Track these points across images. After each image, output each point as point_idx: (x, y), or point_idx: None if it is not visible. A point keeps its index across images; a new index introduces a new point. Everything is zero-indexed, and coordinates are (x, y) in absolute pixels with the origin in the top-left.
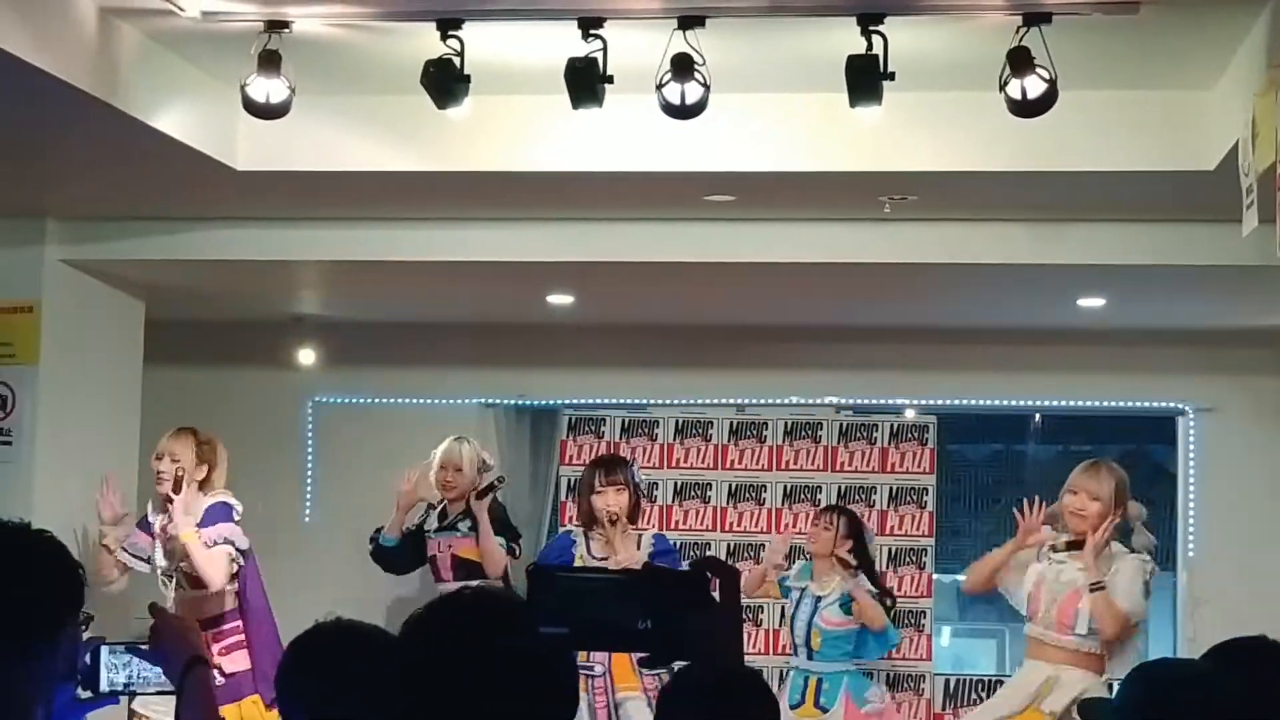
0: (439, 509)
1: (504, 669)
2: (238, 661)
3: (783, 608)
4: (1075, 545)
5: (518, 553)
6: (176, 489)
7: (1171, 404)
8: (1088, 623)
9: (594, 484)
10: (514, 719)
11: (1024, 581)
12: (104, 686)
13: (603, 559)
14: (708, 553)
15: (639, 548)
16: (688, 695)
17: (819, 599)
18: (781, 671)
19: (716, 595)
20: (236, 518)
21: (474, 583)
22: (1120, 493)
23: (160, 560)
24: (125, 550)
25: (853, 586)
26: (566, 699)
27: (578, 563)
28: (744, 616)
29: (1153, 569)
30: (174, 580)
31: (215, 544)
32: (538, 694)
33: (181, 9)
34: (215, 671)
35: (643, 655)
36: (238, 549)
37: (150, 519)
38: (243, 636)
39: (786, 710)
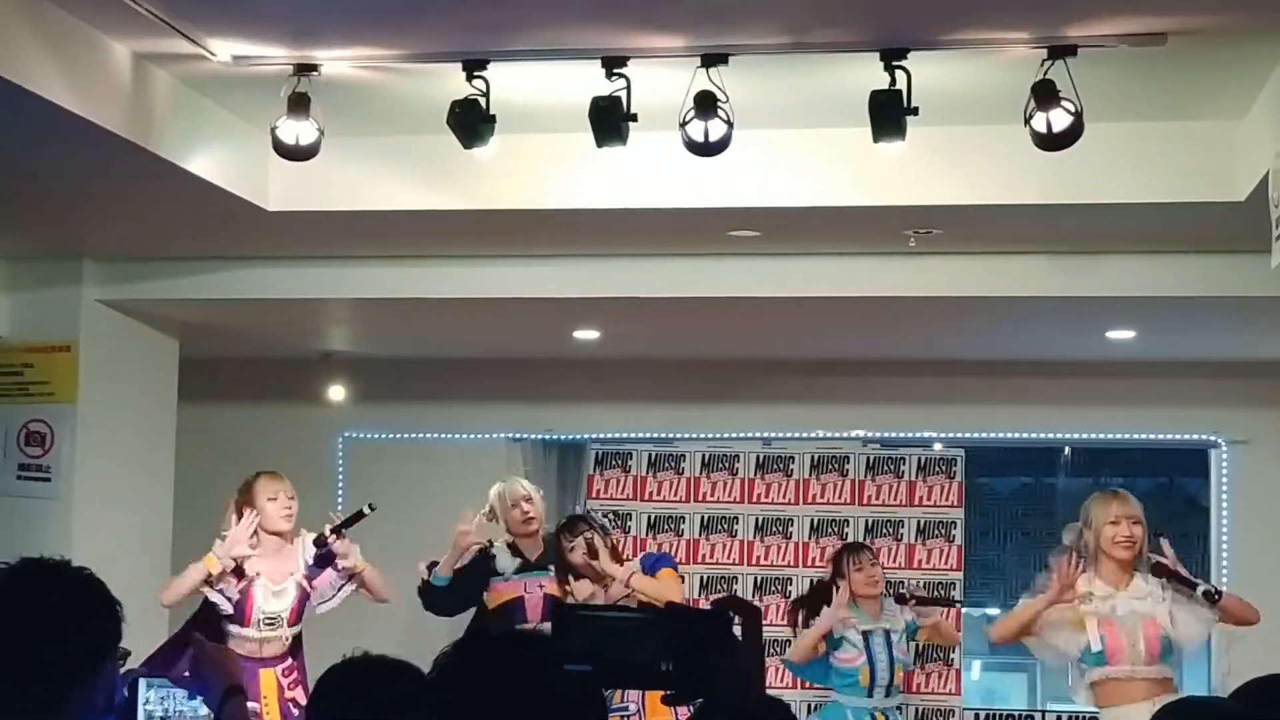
0: (509, 548)
1: (534, 710)
2: (303, 696)
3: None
4: (1158, 572)
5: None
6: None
7: (1203, 436)
8: (1175, 644)
9: (560, 547)
10: None
11: (1077, 636)
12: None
13: (589, 596)
14: (734, 587)
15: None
16: None
17: (889, 633)
18: (810, 705)
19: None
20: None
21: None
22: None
23: (264, 606)
24: (215, 589)
25: (926, 613)
26: None
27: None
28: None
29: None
30: (275, 623)
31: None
32: None
33: (213, 54)
34: (291, 704)
35: (667, 695)
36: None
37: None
38: (299, 672)
39: None
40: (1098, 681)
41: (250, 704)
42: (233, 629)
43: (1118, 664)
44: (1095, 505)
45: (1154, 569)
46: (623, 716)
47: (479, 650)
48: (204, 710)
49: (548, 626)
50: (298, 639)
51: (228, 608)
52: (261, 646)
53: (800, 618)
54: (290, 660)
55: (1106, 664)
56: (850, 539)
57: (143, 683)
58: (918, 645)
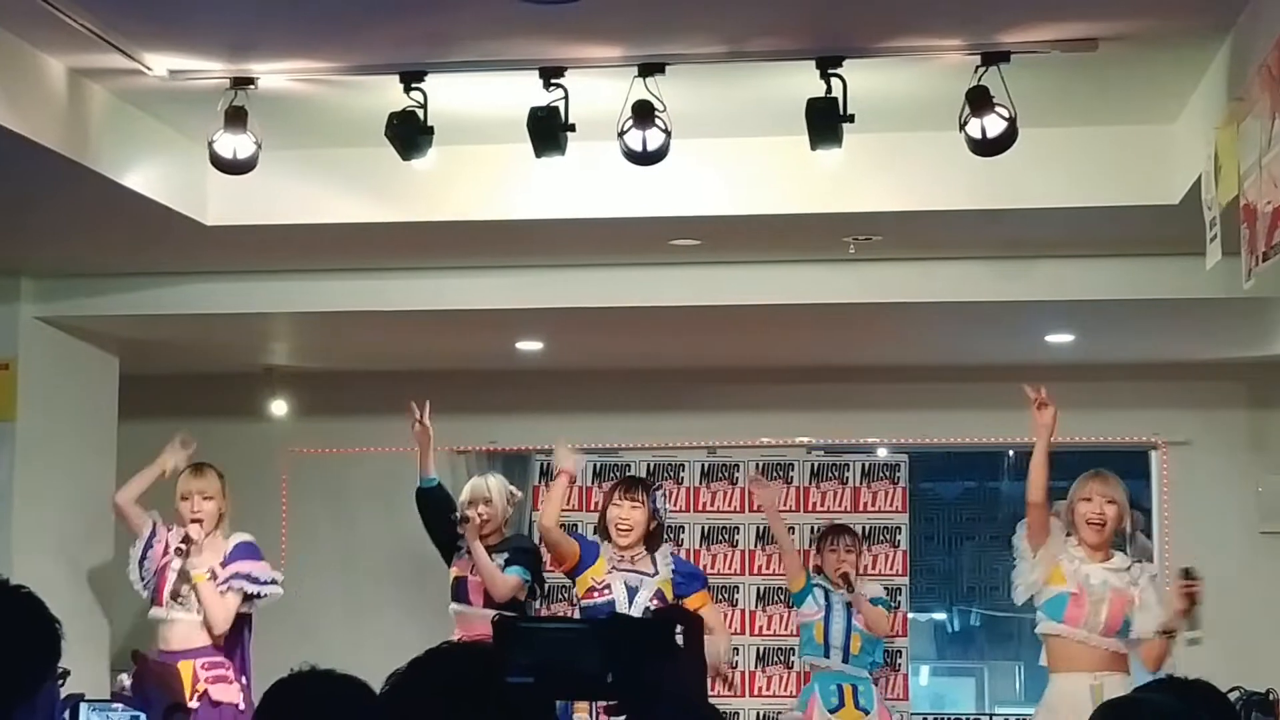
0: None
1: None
2: (225, 693)
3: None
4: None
5: (538, 591)
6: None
7: (1143, 438)
8: (1136, 628)
9: (612, 497)
10: None
11: (1052, 585)
12: None
13: (630, 571)
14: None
15: (656, 567)
16: None
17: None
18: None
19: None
20: (262, 555)
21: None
22: (1128, 498)
23: (177, 583)
24: (138, 563)
25: (854, 598)
26: None
27: (599, 571)
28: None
29: (1156, 573)
30: (186, 600)
31: (238, 578)
32: None
33: (149, 68)
34: (201, 698)
35: (610, 704)
36: (256, 583)
37: (170, 540)
38: (230, 671)
39: (826, 715)
40: (1050, 636)
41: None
42: (152, 613)
43: (1075, 626)
44: (1079, 481)
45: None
46: None
47: (432, 668)
48: None
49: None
50: (232, 640)
51: (141, 590)
52: (178, 630)
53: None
54: (218, 656)
55: (1064, 625)
56: (797, 545)
57: (84, 706)
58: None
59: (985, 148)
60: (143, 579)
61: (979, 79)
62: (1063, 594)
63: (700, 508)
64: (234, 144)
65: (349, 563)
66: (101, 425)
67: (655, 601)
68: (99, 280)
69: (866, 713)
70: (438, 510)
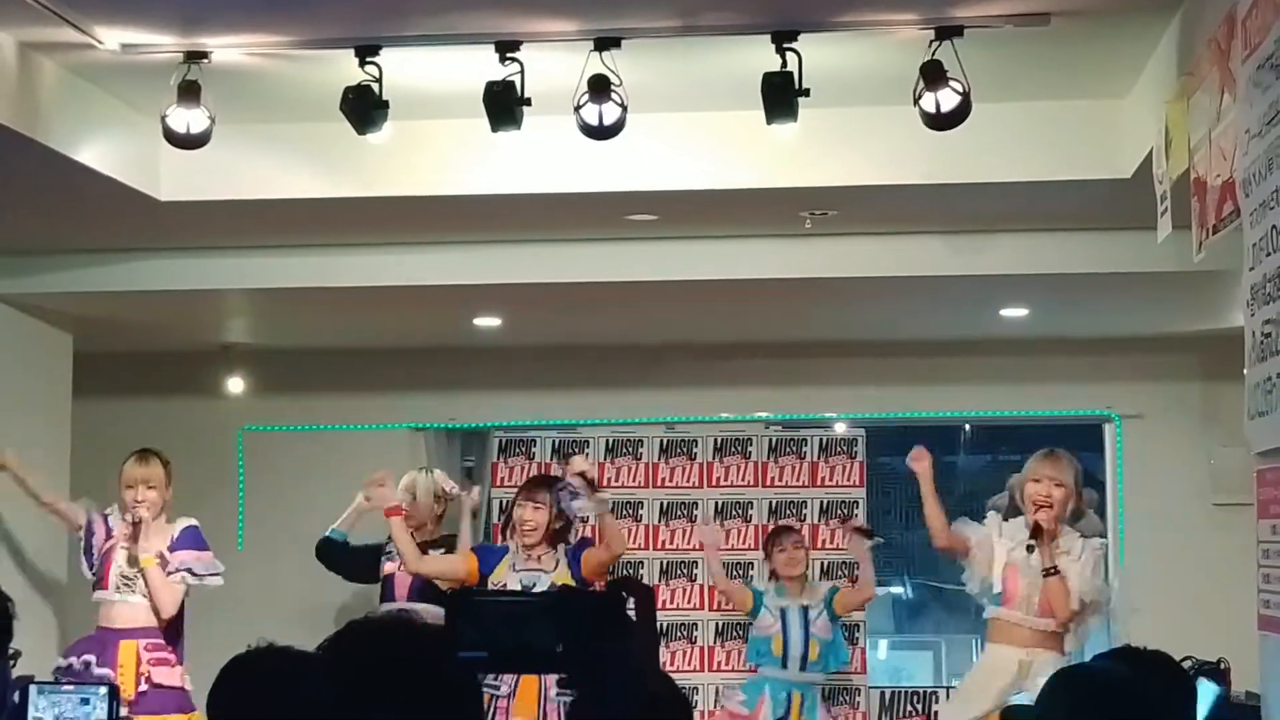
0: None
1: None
2: (166, 676)
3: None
4: (1037, 534)
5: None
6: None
7: (1097, 411)
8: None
9: (518, 498)
10: None
11: (989, 562)
12: None
13: (528, 570)
14: (640, 572)
15: (556, 563)
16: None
17: (807, 609)
18: (718, 690)
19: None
20: (207, 542)
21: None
22: (1079, 480)
23: (122, 565)
24: (84, 550)
25: (861, 553)
26: None
27: (500, 573)
28: (673, 635)
29: (1105, 551)
30: (131, 584)
31: (181, 570)
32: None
33: (101, 42)
34: (143, 679)
35: (561, 676)
36: (197, 577)
37: (110, 526)
38: (172, 654)
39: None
40: (990, 618)
41: (102, 670)
42: (96, 594)
43: (1011, 608)
44: (1031, 460)
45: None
46: (493, 695)
47: (359, 638)
48: (95, 715)
49: (418, 607)
50: (174, 624)
51: (87, 573)
52: (122, 612)
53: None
54: (160, 639)
55: (1002, 605)
56: (755, 521)
57: (33, 689)
58: (842, 622)
59: (939, 122)
60: (90, 566)
61: (933, 53)
62: (996, 576)
63: (659, 483)
64: (187, 119)
65: (305, 540)
66: (56, 403)
67: None
68: (51, 257)
69: None
70: (341, 559)
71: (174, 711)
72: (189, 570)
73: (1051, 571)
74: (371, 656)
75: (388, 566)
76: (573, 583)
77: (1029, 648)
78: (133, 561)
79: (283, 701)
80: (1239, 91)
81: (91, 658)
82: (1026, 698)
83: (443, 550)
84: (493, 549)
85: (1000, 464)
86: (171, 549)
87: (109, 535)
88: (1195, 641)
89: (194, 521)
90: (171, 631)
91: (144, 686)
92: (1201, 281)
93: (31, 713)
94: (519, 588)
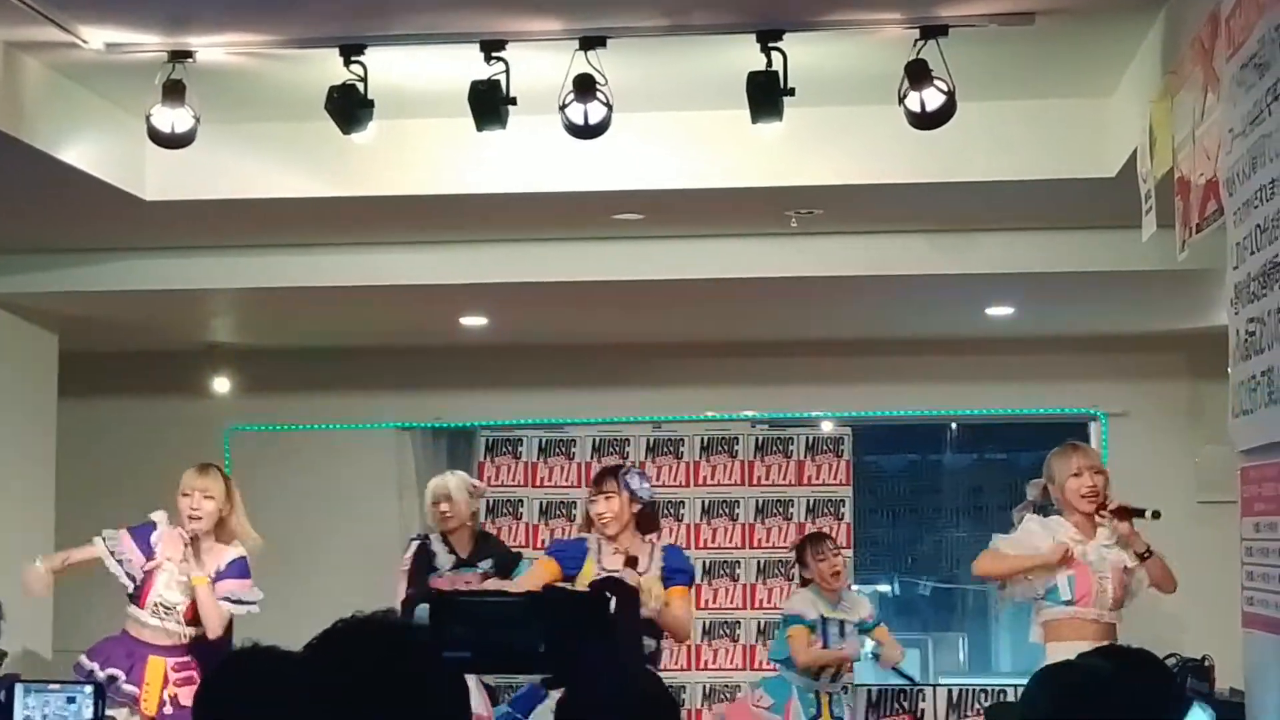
0: (443, 543)
1: (395, 696)
2: (190, 698)
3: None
4: (1122, 515)
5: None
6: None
7: (1083, 410)
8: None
9: (590, 496)
10: None
11: (1046, 576)
12: None
13: (613, 570)
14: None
15: (650, 559)
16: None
17: (843, 623)
18: (705, 688)
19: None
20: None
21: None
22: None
23: (163, 592)
24: (115, 557)
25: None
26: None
27: (588, 570)
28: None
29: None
30: (170, 613)
31: (225, 599)
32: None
33: (85, 41)
34: (170, 701)
35: (545, 677)
36: (241, 605)
37: (153, 541)
38: (198, 674)
39: None
40: (1056, 620)
41: (130, 687)
42: (130, 609)
43: (1086, 607)
44: (1056, 460)
45: (1116, 513)
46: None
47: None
48: (82, 714)
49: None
50: (202, 640)
51: (128, 585)
52: (154, 633)
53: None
54: (187, 657)
55: (1074, 606)
56: (741, 520)
57: (19, 688)
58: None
59: (924, 121)
60: (128, 575)
61: (918, 52)
62: (1063, 580)
63: None
64: (172, 118)
65: (291, 540)
66: (41, 403)
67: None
68: (36, 256)
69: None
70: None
71: None
72: (234, 599)
73: (1148, 554)
74: (356, 656)
75: (443, 583)
76: (661, 586)
77: (1094, 641)
78: (177, 585)
79: (267, 702)
80: (1223, 90)
81: (120, 674)
82: None
83: (490, 562)
84: (568, 547)
85: (986, 462)
86: (217, 578)
87: (150, 556)
88: (1180, 639)
89: (244, 552)
90: (210, 653)
91: (168, 707)
92: (1186, 280)
93: (19, 711)
94: None
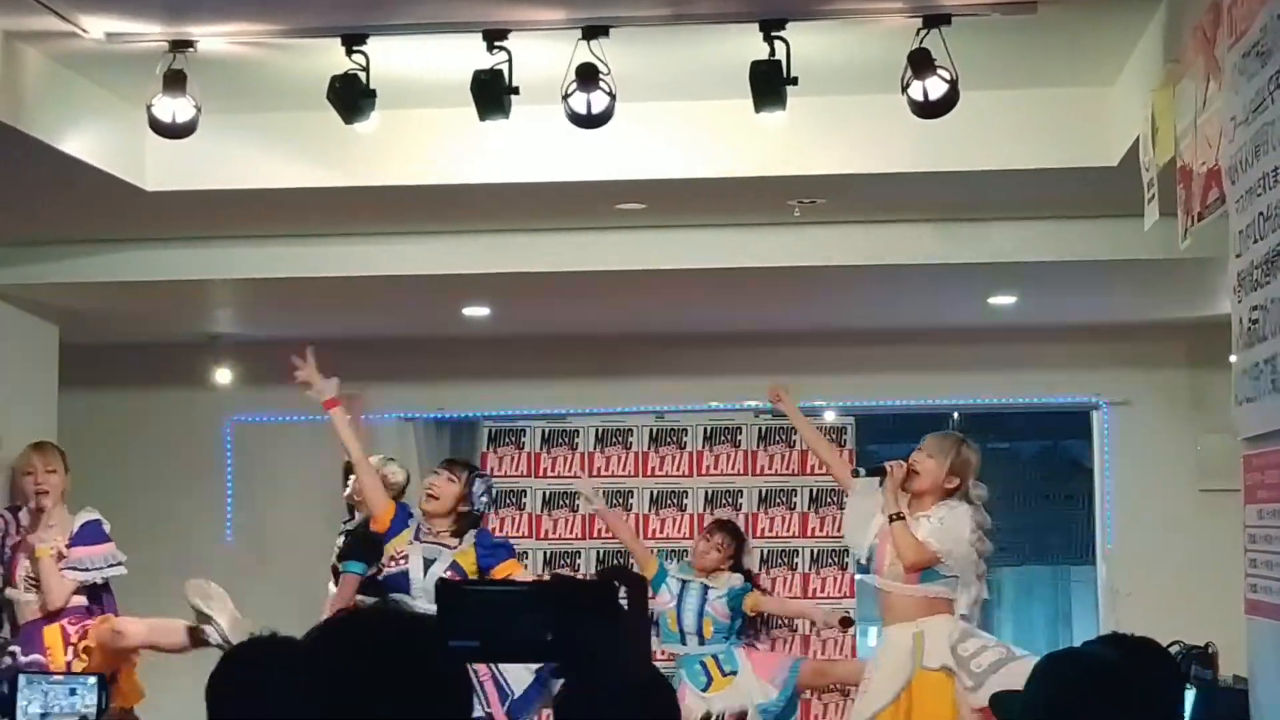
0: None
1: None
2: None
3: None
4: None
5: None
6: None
7: (1085, 398)
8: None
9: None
10: None
11: (868, 533)
12: (20, 716)
13: (430, 544)
14: (631, 561)
15: (460, 542)
16: (584, 705)
17: (707, 588)
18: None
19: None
20: (108, 534)
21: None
22: (962, 467)
23: (29, 572)
24: None
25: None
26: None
27: (400, 542)
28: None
29: (982, 520)
30: (33, 583)
31: (72, 569)
32: (430, 711)
33: (85, 31)
34: (80, 650)
35: (553, 665)
36: (86, 571)
37: (20, 521)
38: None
39: (698, 695)
40: (877, 589)
41: (36, 656)
42: (8, 592)
43: (880, 575)
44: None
45: (871, 472)
46: None
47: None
48: (83, 704)
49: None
50: (93, 592)
51: None
52: (30, 608)
53: None
54: (81, 614)
55: (874, 574)
56: (745, 510)
57: (22, 679)
58: (746, 616)
59: (927, 110)
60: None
61: (920, 41)
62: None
63: (649, 472)
64: (173, 108)
65: (292, 531)
66: (41, 395)
67: (450, 573)
68: (37, 248)
69: (735, 672)
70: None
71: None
72: (79, 567)
73: (897, 517)
74: (362, 646)
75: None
76: (477, 564)
77: (916, 620)
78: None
79: (274, 692)
80: (1225, 79)
81: (16, 648)
82: None
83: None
84: (408, 512)
85: (989, 452)
86: (70, 544)
87: (17, 530)
88: (1183, 626)
89: (95, 515)
90: (91, 600)
91: (76, 663)
92: (1189, 268)
93: (21, 703)
94: (420, 559)
